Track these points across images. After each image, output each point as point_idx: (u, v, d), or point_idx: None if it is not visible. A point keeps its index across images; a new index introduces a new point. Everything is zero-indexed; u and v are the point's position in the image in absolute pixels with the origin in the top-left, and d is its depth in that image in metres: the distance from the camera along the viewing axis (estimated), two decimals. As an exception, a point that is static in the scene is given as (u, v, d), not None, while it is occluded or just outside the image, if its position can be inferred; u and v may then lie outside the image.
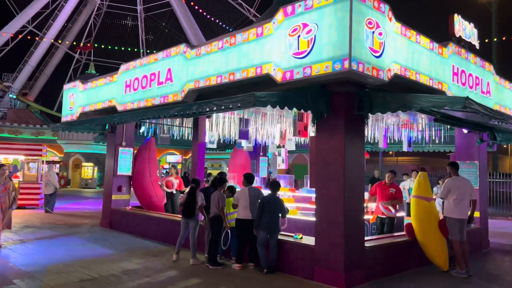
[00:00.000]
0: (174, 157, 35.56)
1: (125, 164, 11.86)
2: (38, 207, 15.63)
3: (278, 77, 6.48)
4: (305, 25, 6.17)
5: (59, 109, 37.65)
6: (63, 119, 12.67)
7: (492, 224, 10.52)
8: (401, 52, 6.56)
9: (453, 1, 29.30)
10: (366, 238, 7.12)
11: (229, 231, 7.69)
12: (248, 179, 7.73)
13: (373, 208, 8.86)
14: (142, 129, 12.10)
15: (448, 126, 10.29)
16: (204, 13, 41.45)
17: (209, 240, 7.69)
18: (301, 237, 7.21)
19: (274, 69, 6.55)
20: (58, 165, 29.75)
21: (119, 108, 10.10)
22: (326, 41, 5.91)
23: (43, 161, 16.73)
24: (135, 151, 12.37)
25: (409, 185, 12.23)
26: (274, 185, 7.54)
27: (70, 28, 43.72)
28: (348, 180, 6.43)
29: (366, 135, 9.20)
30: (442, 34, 7.35)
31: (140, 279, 6.52)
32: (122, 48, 42.81)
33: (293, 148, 12.49)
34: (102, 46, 42.98)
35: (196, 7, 41.38)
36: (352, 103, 6.55)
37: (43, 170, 15.87)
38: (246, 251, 7.44)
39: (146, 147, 12.27)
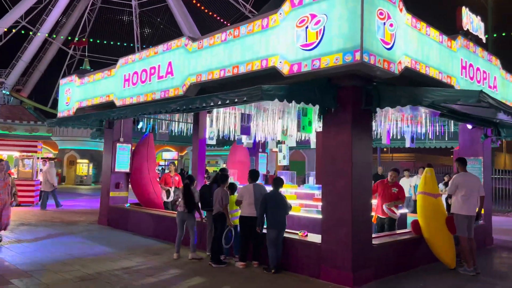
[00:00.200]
0: (170, 154, 35.23)
1: (123, 160, 11.63)
2: (33, 204, 15.36)
3: (285, 70, 6.28)
4: (313, 16, 5.98)
5: (53, 106, 37.46)
6: (60, 115, 12.40)
7: (492, 220, 10.43)
8: (412, 44, 6.38)
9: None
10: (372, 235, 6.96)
11: (232, 229, 7.42)
12: (253, 175, 7.53)
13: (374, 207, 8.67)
14: (140, 124, 11.88)
15: (452, 122, 10.16)
16: (202, 7, 41.05)
17: (211, 238, 7.52)
18: (307, 235, 7.05)
19: (280, 62, 6.36)
20: (53, 162, 29.40)
21: (118, 103, 9.87)
22: (336, 33, 5.71)
23: (38, 158, 16.44)
24: (133, 147, 12.15)
25: (415, 182, 12.13)
26: (277, 182, 7.30)
27: (64, 23, 43.03)
28: (356, 176, 6.26)
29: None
30: (438, 26, 7.12)
31: (142, 279, 6.32)
32: (118, 43, 42.32)
33: (294, 144, 12.28)
34: (98, 42, 42.54)
35: (194, 1, 40.97)
36: (359, 98, 6.37)
37: (44, 167, 15.58)
38: (249, 249, 7.26)
39: (145, 143, 12.04)
